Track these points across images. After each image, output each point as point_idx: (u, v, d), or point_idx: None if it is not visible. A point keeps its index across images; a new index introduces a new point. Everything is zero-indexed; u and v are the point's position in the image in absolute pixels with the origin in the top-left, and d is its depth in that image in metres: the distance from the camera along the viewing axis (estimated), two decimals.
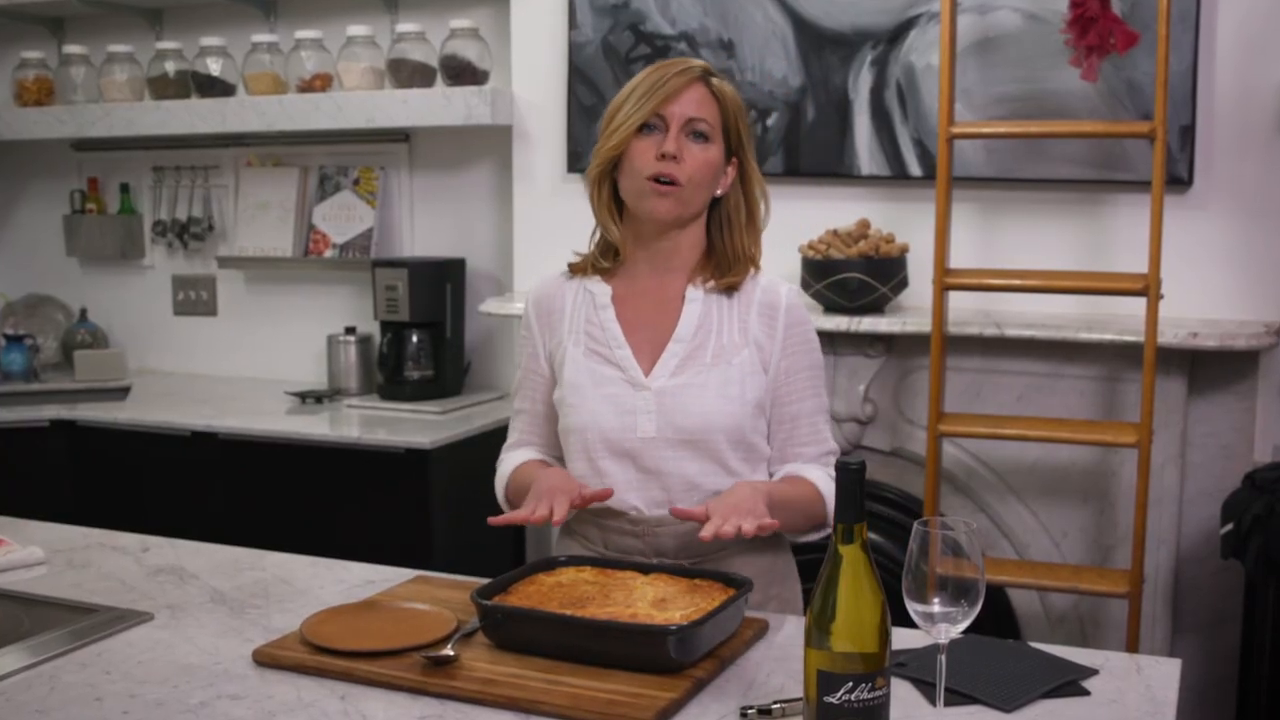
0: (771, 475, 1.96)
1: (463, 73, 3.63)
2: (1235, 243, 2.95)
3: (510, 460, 2.04)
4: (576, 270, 2.01)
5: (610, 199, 1.95)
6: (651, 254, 1.95)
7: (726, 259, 1.95)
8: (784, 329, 1.93)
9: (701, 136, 1.88)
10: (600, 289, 1.97)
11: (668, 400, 1.87)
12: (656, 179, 1.86)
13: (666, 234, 1.92)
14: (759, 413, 1.91)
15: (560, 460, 2.02)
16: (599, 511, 1.92)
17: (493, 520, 1.82)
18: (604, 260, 1.99)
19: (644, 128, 1.88)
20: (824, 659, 1.28)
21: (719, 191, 1.93)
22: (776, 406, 1.94)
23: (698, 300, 1.93)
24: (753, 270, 1.97)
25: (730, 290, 1.94)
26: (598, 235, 2.00)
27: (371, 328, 3.91)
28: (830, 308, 3.07)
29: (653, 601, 1.65)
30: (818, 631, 1.28)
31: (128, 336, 4.48)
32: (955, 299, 3.01)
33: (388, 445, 3.32)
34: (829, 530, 1.81)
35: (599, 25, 3.44)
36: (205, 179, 4.27)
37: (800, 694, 1.43)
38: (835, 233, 3.13)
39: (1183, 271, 2.92)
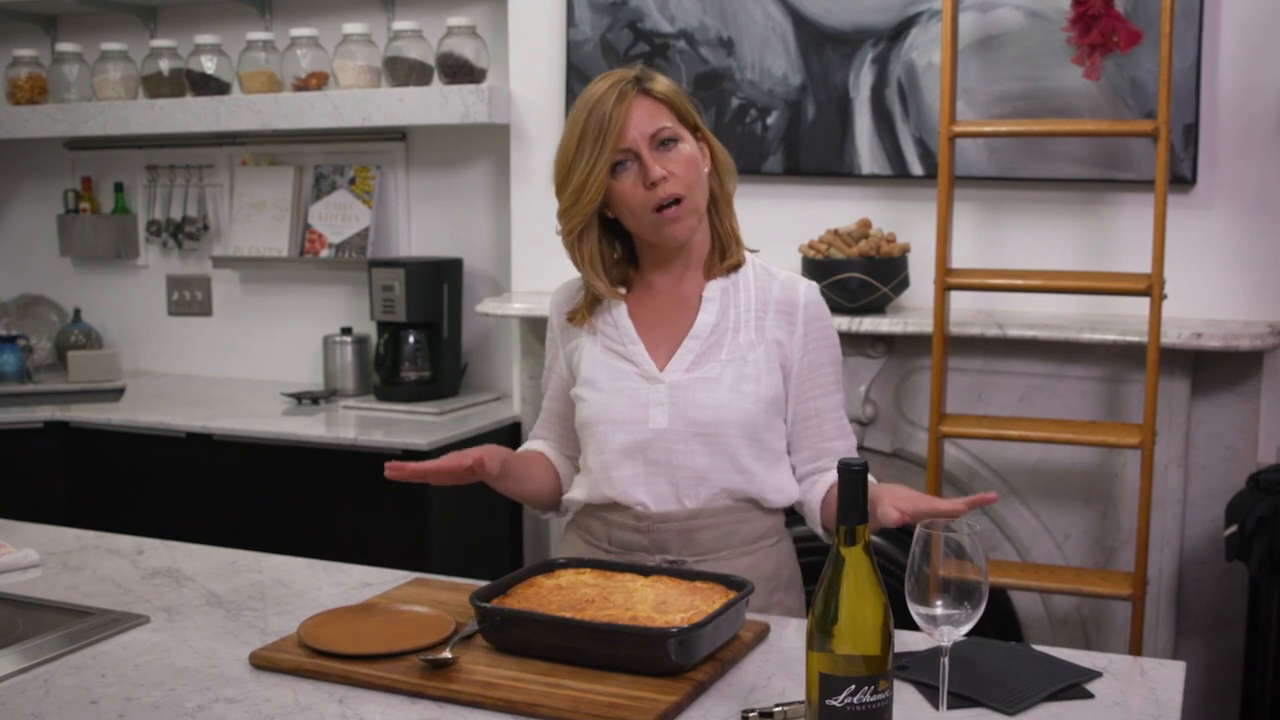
0: (801, 478, 1.96)
1: (460, 71, 3.61)
2: (1239, 242, 2.93)
3: (526, 446, 2.10)
4: (574, 319, 1.98)
5: (596, 247, 1.92)
6: (669, 266, 1.95)
7: (723, 239, 1.96)
8: (803, 325, 1.93)
9: (670, 141, 1.86)
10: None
11: (680, 393, 1.88)
12: (661, 207, 1.84)
13: (685, 243, 1.92)
14: (774, 410, 1.91)
15: (572, 460, 2.05)
16: (604, 506, 1.93)
17: (388, 466, 1.79)
18: (593, 307, 1.97)
19: (614, 168, 1.85)
20: (826, 662, 1.27)
21: (705, 170, 1.92)
22: (800, 403, 1.93)
23: (715, 300, 1.93)
24: (747, 252, 1.98)
25: (734, 270, 1.95)
26: (583, 292, 1.98)
27: (368, 328, 3.90)
28: (831, 308, 3.03)
29: (653, 604, 1.65)
30: (820, 634, 1.28)
31: (122, 337, 4.46)
32: (957, 299, 3.00)
33: (384, 446, 3.30)
34: None
35: (597, 23, 3.42)
36: (200, 178, 4.26)
37: (802, 697, 1.43)
38: (836, 232, 3.12)
39: (1186, 271, 2.91)
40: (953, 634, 1.37)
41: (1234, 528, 2.67)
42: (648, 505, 1.89)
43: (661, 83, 1.90)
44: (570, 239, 1.91)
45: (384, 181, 4.00)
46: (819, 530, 1.96)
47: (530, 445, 2.09)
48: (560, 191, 1.90)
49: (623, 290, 1.96)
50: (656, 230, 1.87)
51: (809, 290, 1.96)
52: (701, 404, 1.87)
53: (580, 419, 1.94)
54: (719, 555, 1.90)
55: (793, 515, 2.07)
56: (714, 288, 1.94)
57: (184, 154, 4.25)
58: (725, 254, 1.95)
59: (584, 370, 1.95)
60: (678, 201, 1.84)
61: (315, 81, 3.80)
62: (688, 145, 1.88)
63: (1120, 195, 3.01)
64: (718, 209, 1.95)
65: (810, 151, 3.25)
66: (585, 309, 1.97)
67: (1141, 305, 2.77)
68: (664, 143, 1.86)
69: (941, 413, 2.90)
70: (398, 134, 3.95)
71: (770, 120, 3.27)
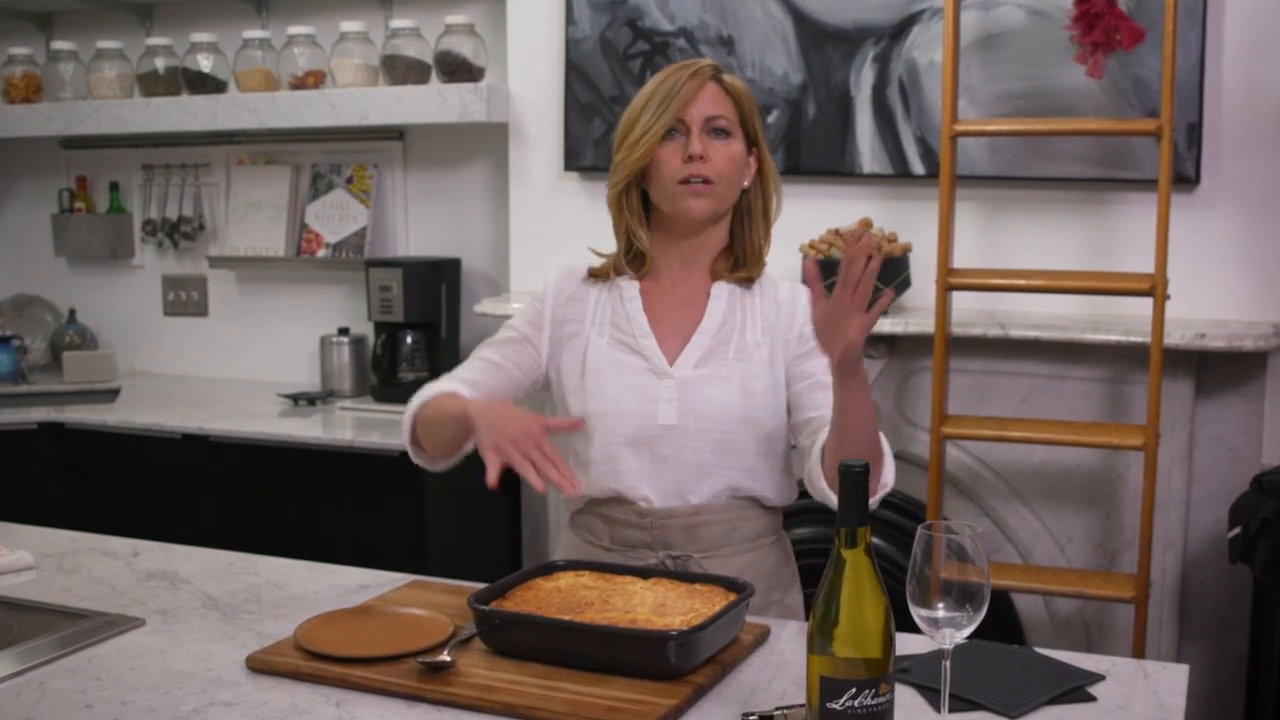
0: (793, 446, 1.96)
1: (458, 69, 3.60)
2: (1243, 242, 2.92)
3: (436, 386, 1.98)
4: (598, 274, 2.02)
5: (640, 208, 1.97)
6: (681, 251, 1.97)
7: (743, 253, 1.99)
8: (800, 316, 1.93)
9: (722, 133, 1.91)
10: (628, 284, 1.99)
11: (690, 389, 1.90)
12: (688, 180, 1.88)
13: (699, 232, 1.95)
14: (780, 409, 1.93)
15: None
16: (606, 502, 1.94)
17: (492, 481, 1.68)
18: (631, 268, 1.99)
19: (666, 134, 1.91)
20: (827, 665, 1.27)
21: (745, 184, 1.96)
22: (796, 380, 1.92)
23: (723, 297, 1.96)
24: (762, 267, 2.00)
25: (745, 283, 1.97)
26: (624, 245, 2.00)
27: (365, 328, 3.88)
28: None
29: (652, 606, 1.64)
30: (820, 637, 1.28)
31: (117, 337, 4.44)
32: (959, 299, 2.98)
33: (382, 448, 3.29)
34: (885, 489, 1.78)
35: (596, 21, 3.41)
36: (196, 177, 4.24)
37: (803, 700, 1.43)
38: (837, 232, 3.10)
39: (1190, 271, 2.89)
40: (954, 636, 1.36)
41: (1238, 530, 2.66)
42: (651, 500, 1.90)
43: (737, 82, 1.95)
44: (615, 191, 1.96)
45: (381, 181, 3.98)
46: (822, 486, 1.79)
47: (449, 385, 1.96)
48: (618, 149, 1.95)
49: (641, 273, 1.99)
50: (675, 200, 1.90)
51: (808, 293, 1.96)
52: (711, 400, 1.89)
53: (587, 411, 1.94)
54: (720, 552, 1.91)
55: (789, 517, 2.07)
56: (721, 287, 1.97)
57: (180, 153, 4.24)
58: (738, 264, 1.98)
59: (590, 362, 1.95)
60: (705, 182, 1.88)
61: (312, 80, 3.79)
62: (737, 145, 1.92)
63: (1123, 195, 3.00)
64: (751, 223, 1.98)
65: (811, 150, 3.24)
66: (611, 269, 1.99)
67: (1145, 305, 2.75)
68: (717, 131, 1.91)
69: (943, 414, 2.89)
70: (395, 133, 3.94)
71: (771, 119, 3.25)
